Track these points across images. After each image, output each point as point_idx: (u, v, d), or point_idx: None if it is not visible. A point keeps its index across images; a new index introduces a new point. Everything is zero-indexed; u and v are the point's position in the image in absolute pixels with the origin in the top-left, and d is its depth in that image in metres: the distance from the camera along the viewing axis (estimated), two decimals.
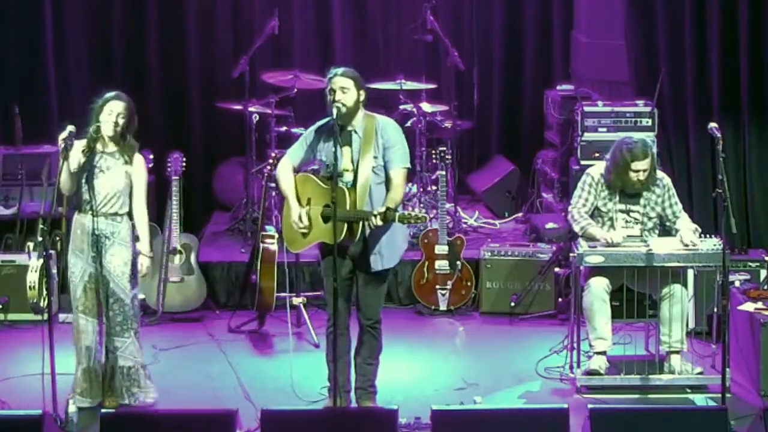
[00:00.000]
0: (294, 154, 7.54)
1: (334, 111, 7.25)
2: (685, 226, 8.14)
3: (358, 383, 7.56)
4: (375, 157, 7.35)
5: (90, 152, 7.44)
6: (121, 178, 7.52)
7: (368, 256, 7.37)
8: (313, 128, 7.55)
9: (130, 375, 7.64)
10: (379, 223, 7.17)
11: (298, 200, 7.44)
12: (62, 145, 7.28)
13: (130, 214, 7.59)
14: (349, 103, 7.31)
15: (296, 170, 7.52)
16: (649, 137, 9.77)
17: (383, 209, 7.18)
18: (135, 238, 7.62)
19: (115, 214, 7.53)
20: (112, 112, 7.47)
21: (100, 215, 7.48)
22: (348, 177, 7.32)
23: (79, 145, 7.45)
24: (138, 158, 7.61)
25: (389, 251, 7.43)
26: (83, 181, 7.45)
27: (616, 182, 8.14)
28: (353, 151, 7.33)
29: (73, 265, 7.56)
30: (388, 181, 7.39)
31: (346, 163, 7.31)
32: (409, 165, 7.52)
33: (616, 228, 8.17)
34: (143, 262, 7.68)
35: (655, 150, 8.18)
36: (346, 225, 7.20)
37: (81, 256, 7.54)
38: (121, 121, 7.49)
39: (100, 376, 7.61)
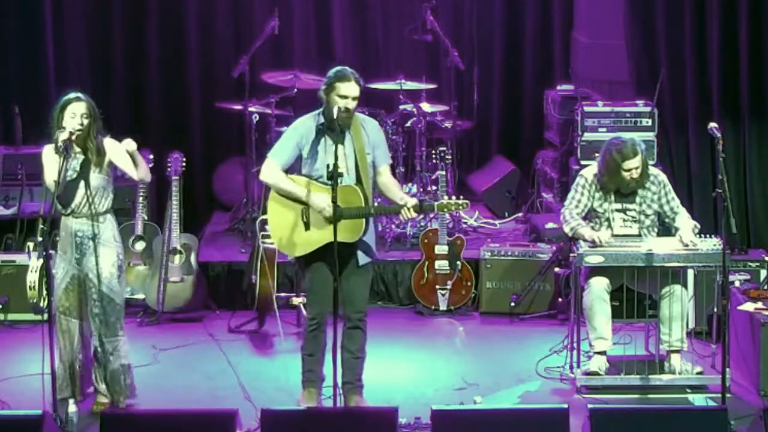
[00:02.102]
0: (280, 156, 7.43)
1: (344, 119, 7.23)
2: (685, 224, 8.13)
3: (347, 377, 7.53)
4: (368, 154, 7.38)
5: (63, 157, 7.27)
6: (98, 174, 7.41)
7: (361, 251, 7.39)
8: (296, 126, 7.48)
9: (129, 372, 7.62)
10: (414, 214, 7.26)
11: (299, 201, 7.40)
12: (62, 146, 7.22)
13: (116, 212, 7.54)
14: (354, 109, 7.32)
15: (284, 172, 7.45)
16: (649, 137, 9.82)
17: (414, 201, 7.29)
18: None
19: (97, 214, 7.42)
20: (75, 114, 7.32)
21: (82, 217, 7.40)
22: (345, 175, 7.28)
23: (51, 150, 7.38)
24: (107, 141, 7.45)
25: (372, 244, 7.49)
26: (62, 185, 7.35)
27: (609, 184, 8.13)
28: (347, 148, 7.32)
29: (56, 266, 7.49)
30: (375, 176, 7.44)
31: (341, 161, 7.29)
32: (391, 161, 7.62)
33: (614, 228, 8.16)
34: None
35: (644, 147, 8.15)
36: (364, 221, 7.22)
37: (64, 257, 7.46)
38: (85, 122, 7.34)
39: (77, 374, 7.54)
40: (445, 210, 7.38)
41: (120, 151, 7.41)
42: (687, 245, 7.96)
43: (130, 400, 7.62)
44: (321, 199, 7.28)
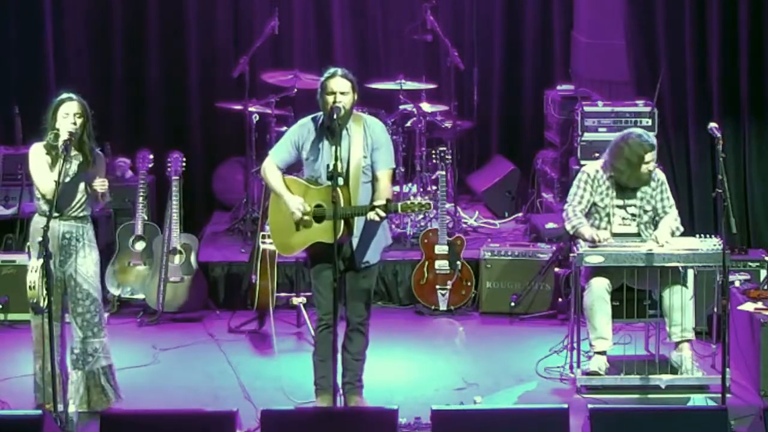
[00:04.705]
0: (278, 154, 7.49)
1: (335, 112, 7.23)
2: (665, 223, 8.12)
3: (347, 378, 7.56)
4: (365, 157, 7.35)
5: (54, 160, 7.26)
6: (86, 177, 7.38)
7: (356, 253, 7.38)
8: (296, 127, 7.52)
9: (113, 373, 7.60)
10: (382, 214, 7.16)
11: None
12: (62, 147, 7.20)
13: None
14: (347, 106, 7.32)
15: (281, 170, 7.47)
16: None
17: (383, 202, 7.18)
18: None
19: (83, 217, 7.44)
20: (68, 114, 7.28)
21: (70, 219, 7.38)
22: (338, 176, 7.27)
23: (41, 149, 7.35)
24: (97, 156, 7.46)
25: (374, 247, 7.45)
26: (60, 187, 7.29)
27: (629, 180, 8.10)
28: (342, 149, 7.30)
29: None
30: (373, 181, 7.39)
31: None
32: (394, 165, 7.56)
33: (613, 224, 8.17)
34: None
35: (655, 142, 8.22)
36: (343, 222, 7.20)
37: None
38: (78, 121, 7.30)
39: (67, 379, 7.43)
40: (408, 210, 7.35)
41: (98, 172, 7.42)
42: (662, 245, 7.96)
43: (116, 402, 7.59)
44: (293, 201, 7.33)
